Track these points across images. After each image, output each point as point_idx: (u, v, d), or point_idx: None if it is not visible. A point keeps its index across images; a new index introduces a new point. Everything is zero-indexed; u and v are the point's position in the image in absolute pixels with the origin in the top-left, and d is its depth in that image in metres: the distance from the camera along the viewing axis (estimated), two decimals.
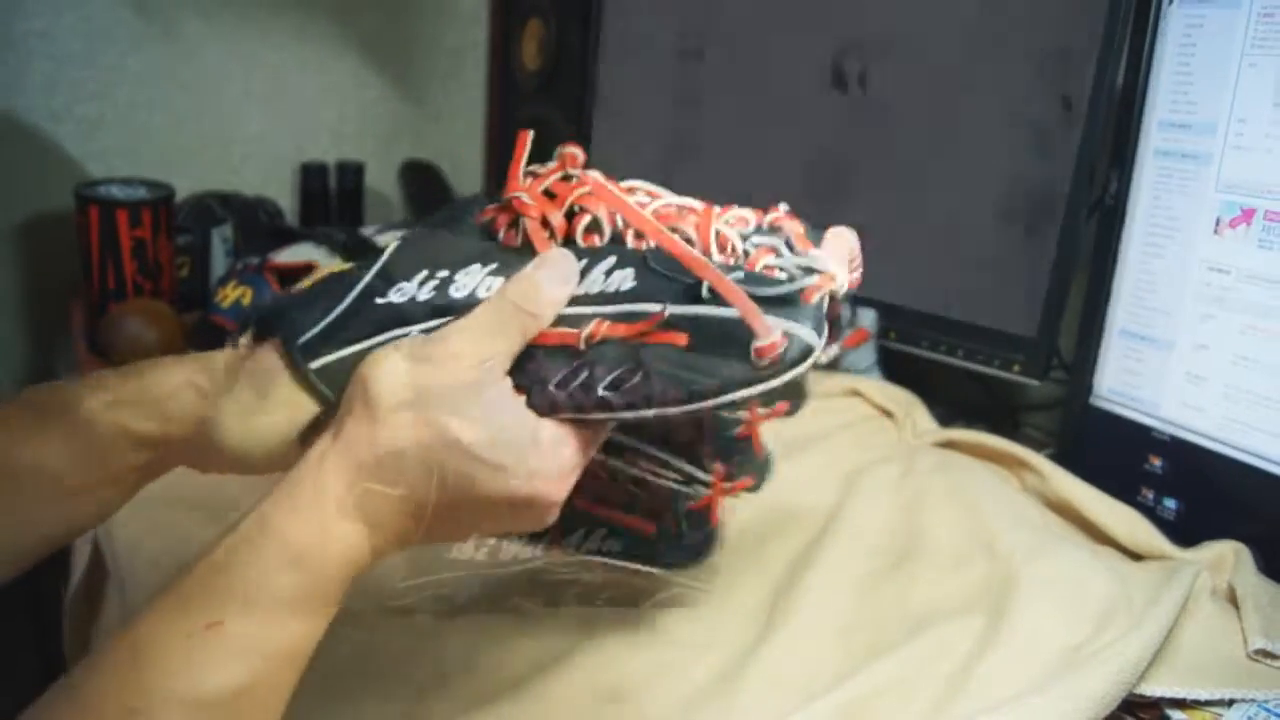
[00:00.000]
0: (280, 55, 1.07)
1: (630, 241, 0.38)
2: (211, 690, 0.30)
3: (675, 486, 0.46)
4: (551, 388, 0.34)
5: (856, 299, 0.78)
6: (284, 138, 1.09)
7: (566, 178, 0.40)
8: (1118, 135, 0.66)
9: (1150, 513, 0.62)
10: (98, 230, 0.83)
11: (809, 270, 0.36)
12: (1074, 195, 0.69)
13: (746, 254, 0.38)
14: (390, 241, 0.40)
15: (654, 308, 0.35)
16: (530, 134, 0.41)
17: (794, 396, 0.46)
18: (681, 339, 0.34)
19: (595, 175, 0.40)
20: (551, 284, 0.36)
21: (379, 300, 0.38)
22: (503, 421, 0.33)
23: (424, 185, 1.17)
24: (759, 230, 0.40)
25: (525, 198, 0.39)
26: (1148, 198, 0.64)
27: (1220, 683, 0.47)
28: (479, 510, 0.34)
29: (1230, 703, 0.46)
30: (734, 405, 0.35)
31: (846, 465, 0.65)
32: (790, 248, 0.37)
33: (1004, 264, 0.73)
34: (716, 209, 0.40)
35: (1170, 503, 0.63)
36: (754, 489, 0.47)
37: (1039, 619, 0.49)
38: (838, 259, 0.38)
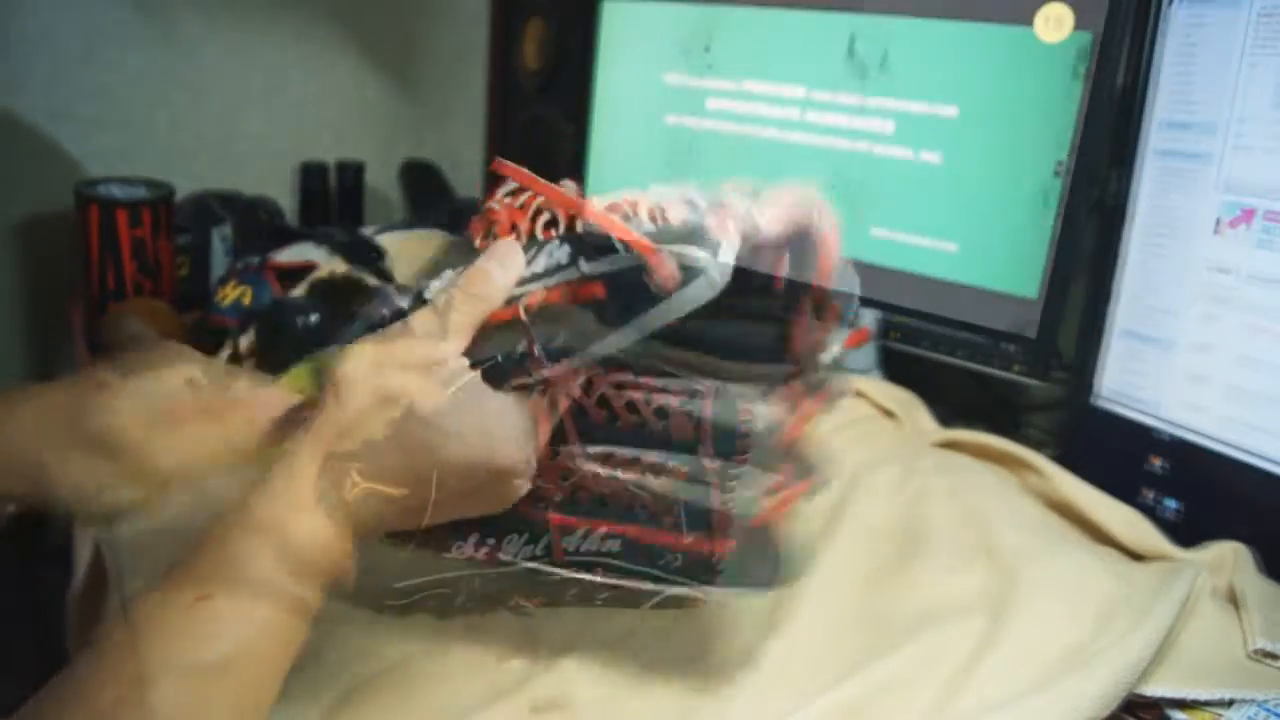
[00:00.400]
0: (280, 55, 1.07)
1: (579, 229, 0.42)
2: (207, 659, 0.32)
3: (678, 487, 0.45)
4: (500, 358, 0.38)
5: (861, 299, 0.78)
6: (284, 137, 1.09)
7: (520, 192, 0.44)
8: (1119, 135, 0.66)
9: (1151, 513, 0.62)
10: (97, 230, 0.83)
11: (715, 213, 0.40)
12: (1075, 195, 0.69)
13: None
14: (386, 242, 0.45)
15: (570, 269, 0.39)
16: (505, 164, 0.45)
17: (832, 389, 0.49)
18: (599, 289, 0.38)
19: (566, 184, 0.44)
20: (497, 269, 0.39)
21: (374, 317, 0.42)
22: (459, 393, 0.36)
23: (424, 185, 1.17)
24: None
25: (495, 205, 0.43)
26: (1149, 198, 0.64)
27: (1221, 683, 0.47)
28: (446, 482, 0.36)
29: (1230, 703, 0.46)
30: (665, 341, 0.39)
31: (847, 465, 0.65)
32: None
33: (1005, 264, 0.73)
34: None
35: (1171, 503, 0.63)
36: (808, 493, 0.47)
37: (1040, 619, 0.49)
38: (773, 209, 0.41)
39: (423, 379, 0.36)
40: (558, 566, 0.44)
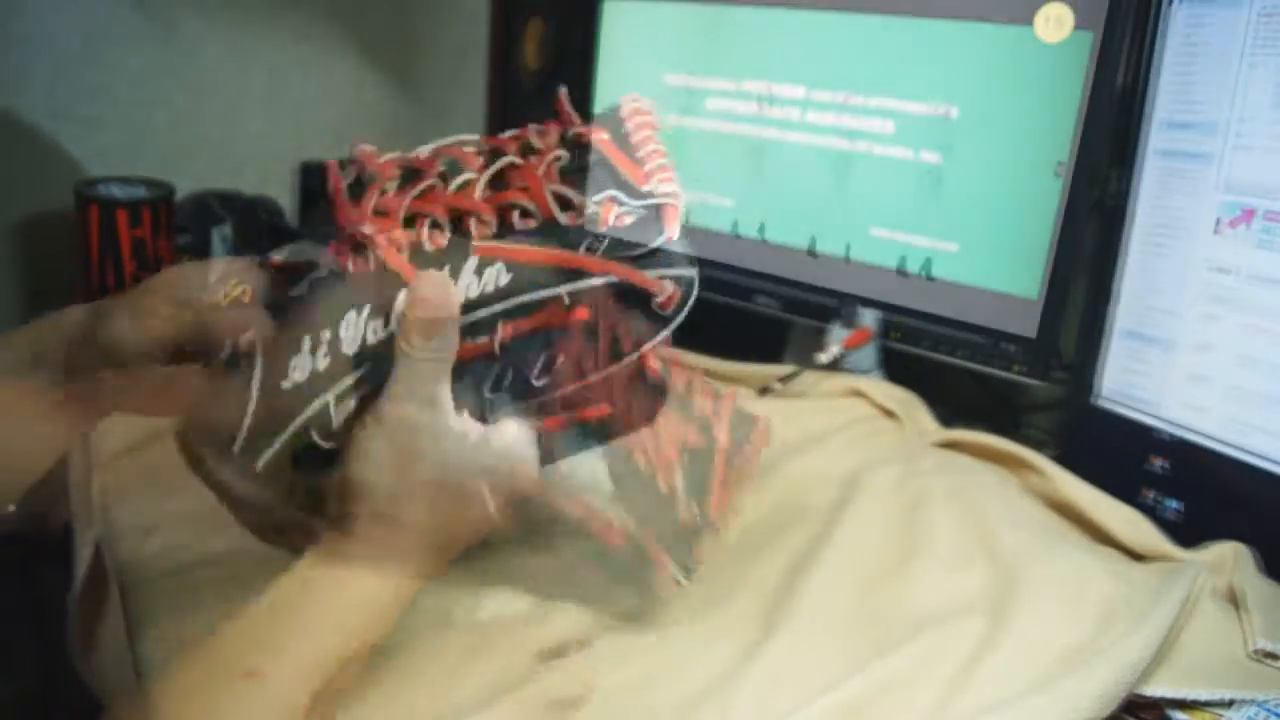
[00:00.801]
0: (281, 54, 1.07)
1: (474, 228, 0.40)
2: None
3: None
4: (487, 393, 0.38)
5: (861, 300, 0.78)
6: (284, 137, 1.09)
7: (383, 191, 0.42)
8: (1119, 135, 0.66)
9: (1152, 513, 0.62)
10: (97, 229, 0.83)
11: (657, 206, 0.41)
12: (1077, 195, 0.69)
13: (592, 212, 0.41)
14: (252, 332, 0.40)
15: (551, 293, 0.38)
16: (336, 164, 0.43)
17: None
18: (585, 313, 0.38)
19: (391, 157, 0.43)
20: (439, 314, 0.37)
21: (284, 385, 0.38)
22: (469, 451, 0.37)
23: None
24: (571, 147, 0.43)
25: (366, 229, 0.40)
26: (1149, 197, 0.64)
27: (1221, 683, 0.47)
28: (482, 524, 0.39)
29: (1231, 703, 0.46)
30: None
31: (848, 465, 0.65)
32: (624, 187, 0.41)
33: (1005, 264, 0.73)
34: (532, 156, 0.42)
35: (1172, 503, 0.63)
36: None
37: (1040, 619, 0.49)
38: (662, 166, 0.42)
39: (437, 453, 0.36)
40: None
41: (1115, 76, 0.66)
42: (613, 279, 0.39)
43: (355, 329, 0.38)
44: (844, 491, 0.62)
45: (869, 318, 0.78)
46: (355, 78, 1.13)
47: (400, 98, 1.17)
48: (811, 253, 0.84)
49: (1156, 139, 0.63)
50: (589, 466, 0.45)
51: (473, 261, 0.39)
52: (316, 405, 0.38)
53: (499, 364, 0.38)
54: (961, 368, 0.76)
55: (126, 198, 0.84)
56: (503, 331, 0.38)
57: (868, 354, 0.78)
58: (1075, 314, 0.71)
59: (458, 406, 0.37)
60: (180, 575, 0.51)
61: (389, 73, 1.15)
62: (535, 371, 0.38)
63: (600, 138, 0.42)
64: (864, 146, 0.79)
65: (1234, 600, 0.53)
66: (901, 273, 0.78)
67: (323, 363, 0.38)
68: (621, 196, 0.40)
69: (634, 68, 0.95)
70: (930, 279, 0.77)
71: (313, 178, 1.09)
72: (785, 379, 0.77)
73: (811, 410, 0.74)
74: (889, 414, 0.74)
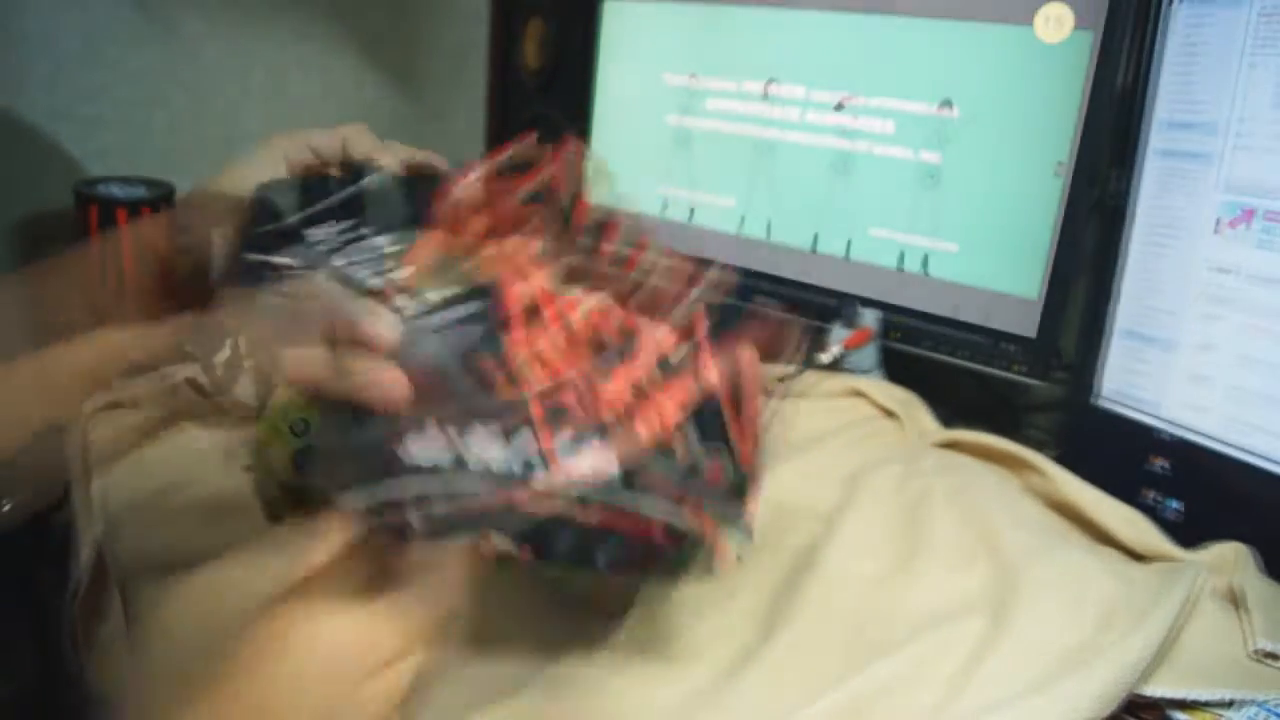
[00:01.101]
0: (281, 54, 1.07)
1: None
2: None
3: None
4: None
5: (862, 300, 0.78)
6: None
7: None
8: (1120, 135, 0.66)
9: (1153, 513, 0.62)
10: (97, 229, 0.83)
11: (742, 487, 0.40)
12: (1077, 195, 0.69)
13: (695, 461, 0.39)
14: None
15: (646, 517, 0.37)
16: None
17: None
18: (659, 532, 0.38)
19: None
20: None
21: (405, 460, 0.35)
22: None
23: (424, 185, 1.17)
24: (669, 366, 0.41)
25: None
26: (1150, 197, 0.64)
27: (1222, 683, 0.47)
28: None
29: (1231, 703, 0.46)
30: None
31: (849, 465, 0.65)
32: (732, 454, 0.41)
33: (1007, 264, 0.73)
34: (636, 351, 0.39)
35: (1173, 503, 0.63)
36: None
37: (1041, 620, 0.49)
38: (759, 453, 0.42)
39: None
40: (545, 479, 0.35)
41: (1115, 76, 0.66)
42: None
43: (483, 447, 0.35)
44: (845, 492, 0.62)
45: (870, 318, 0.78)
46: (355, 77, 1.13)
47: (400, 97, 1.17)
48: (813, 251, 0.83)
49: (1157, 139, 0.63)
50: (589, 460, 0.37)
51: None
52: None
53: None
54: (962, 368, 0.75)
55: (126, 198, 0.84)
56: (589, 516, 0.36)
57: (868, 354, 0.78)
58: (1076, 314, 0.71)
59: None
60: (180, 574, 0.51)
61: (389, 72, 1.15)
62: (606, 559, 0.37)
63: (715, 384, 0.40)
64: (864, 146, 0.79)
65: (1235, 600, 0.53)
66: (901, 271, 0.78)
67: (444, 459, 0.35)
68: (726, 466, 0.40)
69: (634, 67, 0.95)
70: (930, 278, 0.77)
71: (312, 178, 1.09)
72: (785, 379, 0.77)
73: (812, 410, 0.74)
74: (889, 414, 0.74)
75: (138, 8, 0.98)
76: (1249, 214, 0.58)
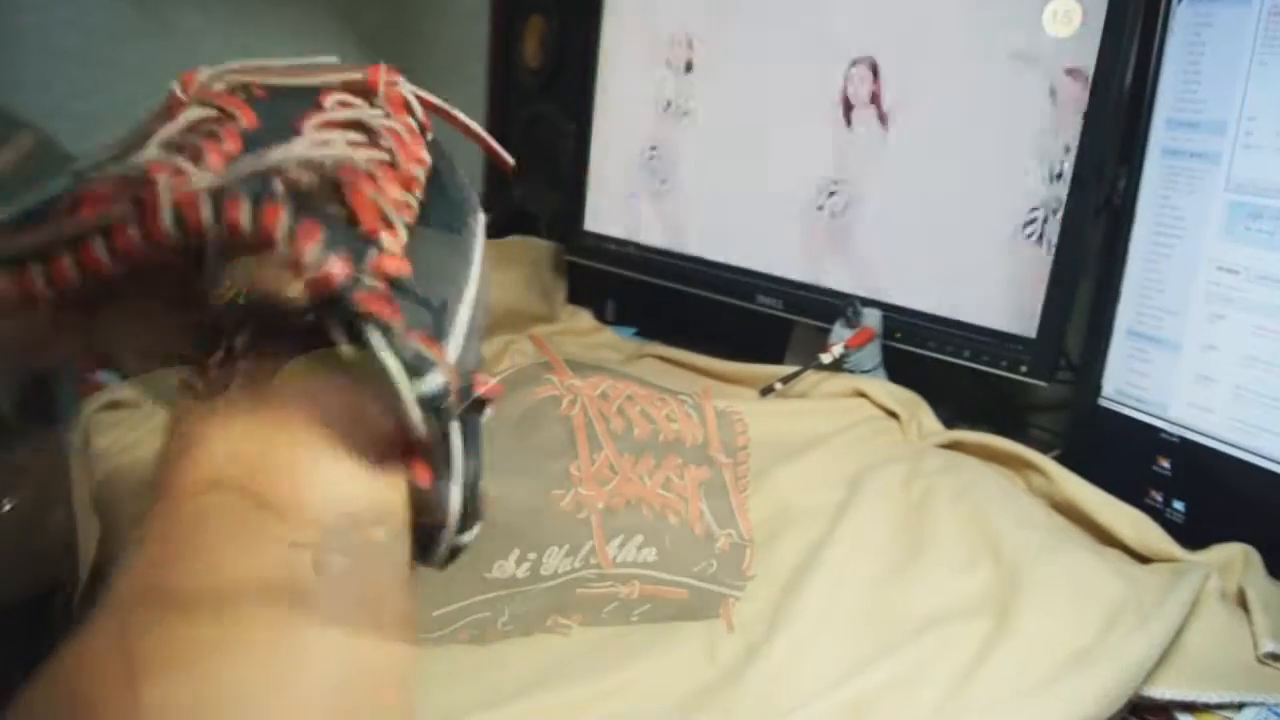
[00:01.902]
0: (279, 51, 1.05)
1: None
2: None
3: None
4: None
5: (863, 300, 0.78)
6: None
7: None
8: (1126, 134, 0.66)
9: (1158, 515, 0.62)
10: None
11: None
12: (1081, 195, 0.68)
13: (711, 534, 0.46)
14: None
15: None
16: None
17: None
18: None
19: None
20: None
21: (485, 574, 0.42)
22: None
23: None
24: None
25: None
26: (1155, 197, 0.64)
27: (1230, 686, 0.47)
28: None
29: (1240, 706, 0.46)
30: None
31: (851, 466, 0.65)
32: (737, 526, 0.47)
33: (1010, 264, 0.73)
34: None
35: (1179, 504, 0.63)
36: None
37: (1044, 620, 0.48)
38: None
39: None
40: (600, 579, 0.44)
41: (1120, 75, 0.65)
42: None
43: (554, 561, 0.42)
44: (847, 492, 0.61)
45: (873, 318, 0.77)
46: None
47: None
48: (809, 249, 0.83)
49: (1163, 138, 0.63)
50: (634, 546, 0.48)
51: None
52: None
53: None
54: (965, 368, 0.75)
55: None
56: None
57: (871, 354, 0.78)
58: (1081, 314, 0.70)
59: None
60: None
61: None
62: None
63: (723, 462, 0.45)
64: (864, 141, 0.79)
65: (1242, 603, 0.53)
66: (903, 270, 0.78)
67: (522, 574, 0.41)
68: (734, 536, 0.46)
69: (635, 66, 0.95)
70: (931, 277, 0.77)
71: None
72: (787, 379, 0.77)
73: (814, 411, 0.73)
74: (892, 414, 0.74)
75: (134, 4, 0.97)
76: (1256, 213, 0.58)
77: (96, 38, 0.96)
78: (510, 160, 0.31)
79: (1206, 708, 0.46)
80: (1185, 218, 0.62)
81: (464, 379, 0.24)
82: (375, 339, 0.21)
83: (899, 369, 0.79)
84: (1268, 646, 0.49)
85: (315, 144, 0.24)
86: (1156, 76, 0.63)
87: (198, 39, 1.01)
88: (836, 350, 0.76)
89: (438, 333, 0.23)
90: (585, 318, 1.00)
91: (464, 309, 0.25)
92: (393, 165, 0.25)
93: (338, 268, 0.21)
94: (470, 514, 0.25)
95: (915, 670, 0.46)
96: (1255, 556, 0.56)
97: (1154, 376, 0.64)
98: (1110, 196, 0.68)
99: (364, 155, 0.25)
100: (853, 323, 0.77)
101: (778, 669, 0.46)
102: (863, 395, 0.75)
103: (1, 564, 0.42)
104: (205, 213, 0.21)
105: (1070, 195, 0.68)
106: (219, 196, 0.21)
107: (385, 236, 0.23)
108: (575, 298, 1.04)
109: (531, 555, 0.50)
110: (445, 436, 0.24)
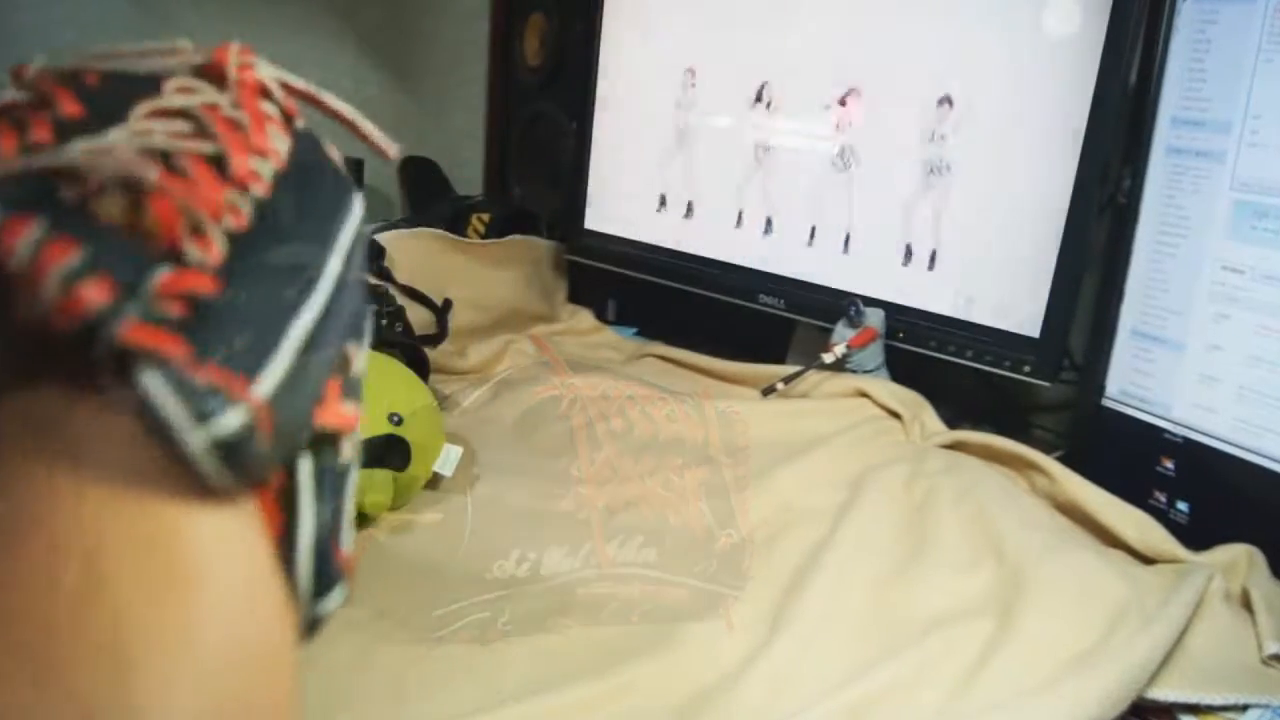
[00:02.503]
0: (278, 49, 1.05)
1: None
2: None
3: None
4: None
5: (865, 299, 0.78)
6: None
7: None
8: (1130, 133, 0.65)
9: (1162, 515, 0.61)
10: None
11: None
12: (1085, 194, 0.68)
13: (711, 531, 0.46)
14: None
15: None
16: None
17: None
18: None
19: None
20: None
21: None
22: None
23: (424, 182, 1.16)
24: None
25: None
26: (1159, 196, 0.63)
27: (1234, 688, 0.47)
28: None
29: (1244, 708, 0.46)
30: None
31: (853, 466, 0.64)
32: (736, 524, 0.46)
33: (1014, 264, 0.72)
34: None
35: (1182, 505, 0.63)
36: None
37: (1048, 622, 0.48)
38: None
39: None
40: (600, 579, 0.43)
41: (1124, 73, 0.65)
42: None
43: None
44: (850, 492, 0.61)
45: (874, 317, 0.77)
46: (354, 73, 1.12)
47: (400, 94, 1.16)
48: (810, 246, 0.83)
49: (1166, 136, 0.62)
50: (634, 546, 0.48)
51: None
52: None
53: None
54: (968, 368, 0.75)
55: None
56: None
57: (874, 354, 0.77)
58: (1085, 313, 0.70)
59: None
60: None
61: (388, 69, 1.14)
62: None
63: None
64: (865, 142, 0.79)
65: (1246, 604, 0.52)
66: (904, 269, 0.77)
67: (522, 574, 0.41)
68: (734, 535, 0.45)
69: (636, 64, 0.94)
70: (934, 276, 0.76)
71: None
72: (789, 379, 0.76)
73: (816, 411, 0.73)
74: (895, 415, 0.74)
75: (132, 1, 0.97)
76: (1260, 213, 0.57)
77: (95, 35, 0.95)
78: (390, 150, 0.27)
79: (1210, 709, 0.46)
80: (1190, 217, 0.61)
81: (296, 413, 0.21)
82: (147, 377, 0.18)
83: (901, 369, 0.78)
84: (1272, 648, 0.48)
85: (134, 135, 0.21)
86: (1161, 74, 0.62)
87: (196, 37, 1.00)
88: (839, 350, 0.76)
89: (254, 360, 0.20)
90: (586, 317, 1.00)
91: (297, 328, 0.21)
92: (218, 161, 0.22)
93: (92, 293, 0.18)
94: (325, 575, 0.22)
95: (917, 671, 0.46)
96: (1259, 557, 0.56)
97: (1158, 377, 0.64)
98: (1114, 195, 0.68)
99: (189, 147, 0.21)
100: (855, 322, 0.77)
101: (779, 670, 0.46)
102: (865, 395, 0.75)
103: None
104: None
105: (1074, 194, 0.68)
106: None
107: (192, 249, 0.20)
108: (575, 297, 1.04)
109: (531, 555, 0.50)
110: (291, 478, 0.21)
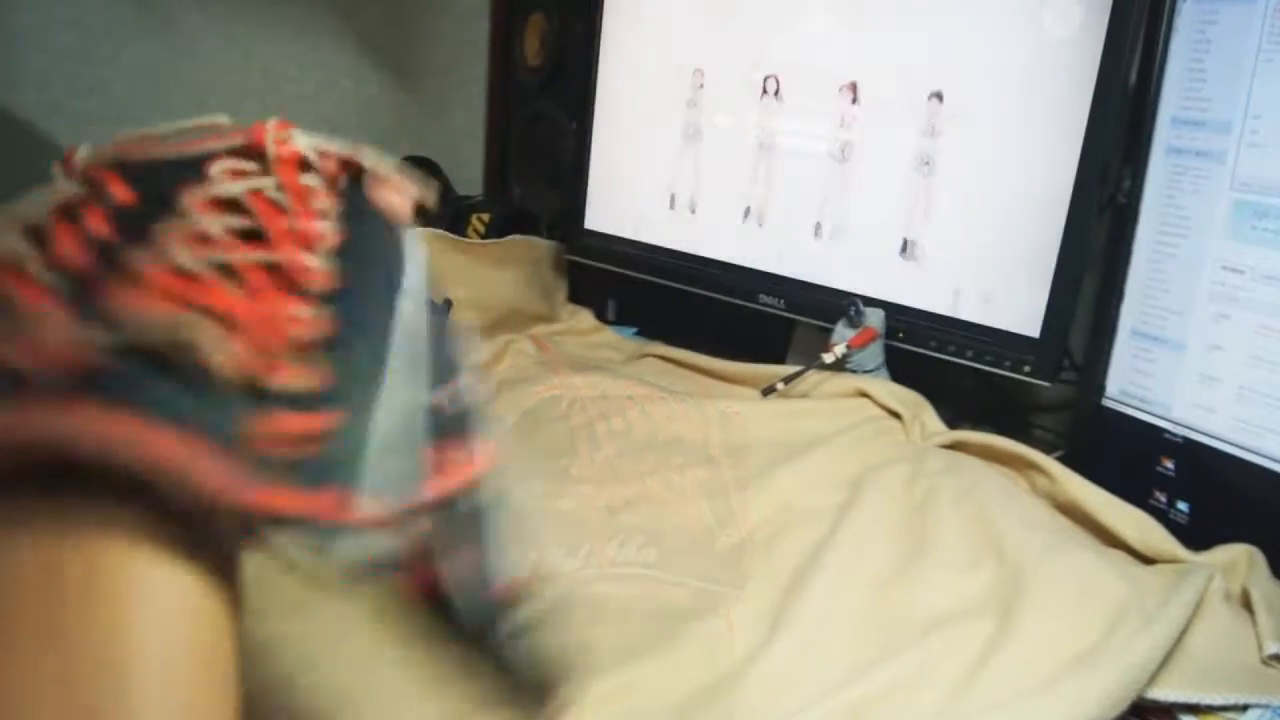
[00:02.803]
0: (279, 50, 1.06)
1: None
2: None
3: None
4: None
5: (866, 299, 0.78)
6: None
7: None
8: (1130, 133, 0.65)
9: (1162, 515, 0.61)
10: None
11: None
12: (1085, 194, 0.68)
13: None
14: None
15: None
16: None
17: None
18: None
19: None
20: None
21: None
22: None
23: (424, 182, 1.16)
24: None
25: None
26: (1159, 195, 0.63)
27: (1234, 688, 0.46)
28: None
29: (1244, 708, 0.46)
30: None
31: (853, 466, 0.64)
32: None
33: (1014, 264, 0.72)
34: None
35: (1183, 505, 0.63)
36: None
37: (1048, 622, 0.48)
38: None
39: None
40: (600, 579, 0.43)
41: (1124, 74, 0.65)
42: None
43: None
44: (850, 493, 0.61)
45: (874, 317, 0.77)
46: (354, 74, 1.12)
47: (400, 94, 1.16)
48: (812, 245, 0.83)
49: (1166, 136, 0.62)
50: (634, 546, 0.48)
51: None
52: None
53: None
54: (968, 368, 0.75)
55: None
56: None
57: (874, 354, 0.77)
58: (1085, 314, 0.70)
59: None
60: None
61: (388, 69, 1.14)
62: None
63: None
64: (867, 139, 0.79)
65: (1247, 604, 0.52)
66: (905, 268, 0.77)
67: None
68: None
69: (636, 63, 0.94)
70: (934, 275, 0.76)
71: None
72: (789, 379, 0.76)
73: (816, 411, 0.73)
74: (895, 415, 0.74)
75: (134, 3, 0.97)
76: (1261, 212, 0.57)
77: (95, 36, 0.95)
78: (429, 199, 0.27)
79: (1210, 709, 0.46)
80: (1190, 217, 0.61)
81: (400, 494, 0.21)
82: (273, 536, 0.19)
83: (901, 369, 0.78)
84: (1272, 648, 0.48)
85: (189, 242, 0.21)
86: (1161, 74, 0.62)
87: (197, 38, 1.01)
88: (839, 350, 0.76)
89: (347, 475, 0.20)
90: (586, 317, 1.00)
91: (381, 415, 0.21)
92: (273, 267, 0.21)
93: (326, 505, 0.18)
94: (484, 613, 0.23)
95: (917, 672, 0.46)
96: (1259, 557, 0.56)
97: (1158, 377, 0.64)
98: (1114, 195, 0.68)
99: (249, 258, 0.21)
100: (855, 322, 0.77)
101: (779, 670, 0.46)
102: (865, 395, 0.75)
103: None
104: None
105: (1074, 194, 0.68)
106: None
107: (279, 373, 0.19)
108: (576, 297, 1.04)
109: (531, 555, 0.49)
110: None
